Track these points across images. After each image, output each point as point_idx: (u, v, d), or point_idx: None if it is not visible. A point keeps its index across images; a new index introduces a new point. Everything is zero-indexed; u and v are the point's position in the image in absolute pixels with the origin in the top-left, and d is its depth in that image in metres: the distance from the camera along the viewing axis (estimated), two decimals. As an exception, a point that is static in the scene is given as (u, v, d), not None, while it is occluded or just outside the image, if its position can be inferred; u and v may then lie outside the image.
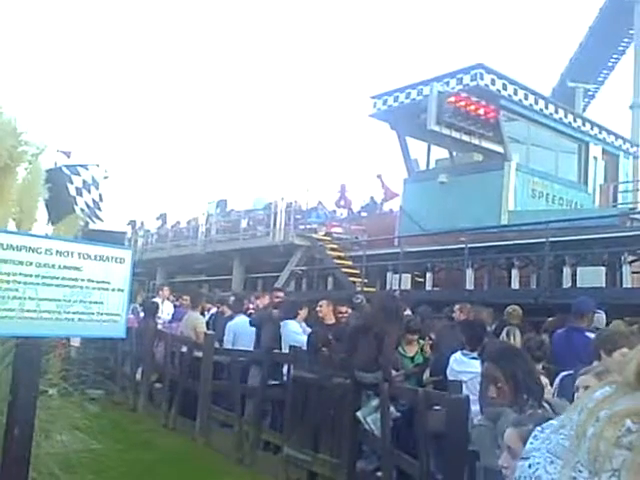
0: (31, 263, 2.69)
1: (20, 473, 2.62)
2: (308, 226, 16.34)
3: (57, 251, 2.76)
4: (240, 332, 8.46)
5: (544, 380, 3.88)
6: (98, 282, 2.88)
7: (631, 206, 14.93)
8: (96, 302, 2.85)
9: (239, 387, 7.69)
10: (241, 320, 8.73)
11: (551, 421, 1.29)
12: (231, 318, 8.98)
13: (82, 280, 2.84)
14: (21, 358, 2.73)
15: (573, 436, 1.16)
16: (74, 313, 2.80)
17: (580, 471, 1.11)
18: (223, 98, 75.29)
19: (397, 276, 12.17)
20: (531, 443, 1.27)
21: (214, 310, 10.52)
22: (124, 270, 2.94)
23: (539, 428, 1.29)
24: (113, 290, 2.91)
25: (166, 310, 11.36)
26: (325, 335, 6.81)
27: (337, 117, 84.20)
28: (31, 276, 2.69)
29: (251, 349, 8.15)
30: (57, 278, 2.76)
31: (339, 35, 78.20)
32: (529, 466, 1.23)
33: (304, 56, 64.70)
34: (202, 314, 10.05)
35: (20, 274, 2.65)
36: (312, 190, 19.12)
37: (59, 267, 2.77)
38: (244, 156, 64.62)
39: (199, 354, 8.45)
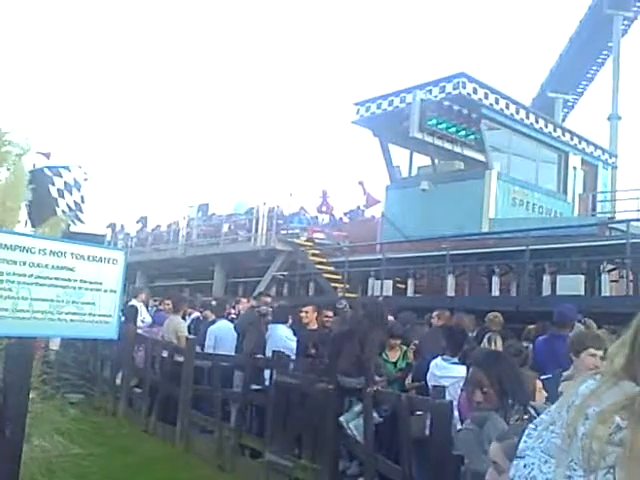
0: (25, 263, 2.66)
1: (12, 474, 2.59)
2: (290, 231, 16.32)
3: (51, 251, 2.74)
4: (222, 337, 8.41)
5: (539, 385, 3.91)
6: (91, 283, 2.87)
7: (609, 215, 15.15)
8: (88, 303, 2.83)
9: (220, 392, 7.65)
10: (223, 324, 8.69)
11: (542, 416, 1.31)
12: (214, 323, 8.93)
13: (75, 281, 2.82)
14: (12, 358, 2.71)
15: (564, 435, 1.18)
16: (67, 314, 2.77)
17: (575, 470, 1.13)
18: (206, 102, 75.09)
19: (379, 282, 12.22)
20: (525, 442, 1.28)
21: (195, 315, 10.44)
22: (117, 271, 2.92)
23: (532, 425, 1.30)
24: (105, 291, 2.89)
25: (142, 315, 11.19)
26: (315, 339, 6.82)
27: (320, 123, 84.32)
28: (24, 276, 2.67)
29: (232, 354, 8.11)
30: (50, 278, 2.75)
31: (323, 42, 78.47)
32: (524, 466, 1.24)
33: (288, 62, 64.79)
34: (183, 318, 9.98)
35: (14, 274, 2.63)
36: (295, 195, 19.06)
37: (52, 267, 2.74)
38: (226, 160, 64.42)
39: (180, 359, 8.39)
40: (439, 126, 12.51)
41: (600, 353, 3.92)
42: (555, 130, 14.96)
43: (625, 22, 23.40)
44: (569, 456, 1.15)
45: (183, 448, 7.73)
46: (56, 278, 2.77)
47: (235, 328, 8.33)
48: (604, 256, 9.73)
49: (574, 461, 1.14)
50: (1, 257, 2.61)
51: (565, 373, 4.15)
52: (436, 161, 14.48)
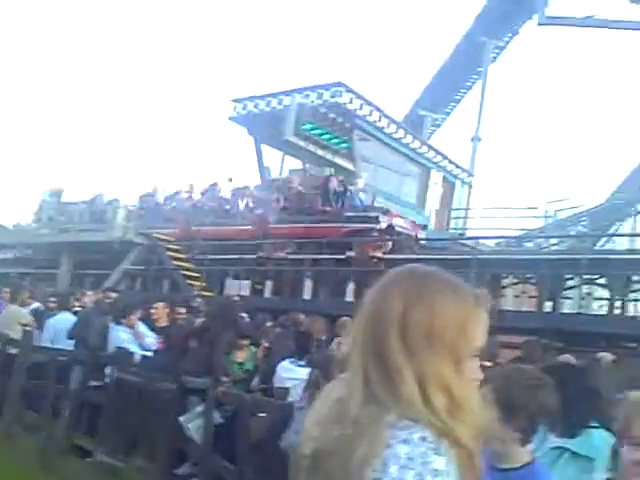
0: None
1: None
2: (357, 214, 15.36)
3: None
4: (61, 330, 7.89)
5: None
6: None
7: (461, 231, 16.03)
8: None
9: (54, 388, 7.10)
10: (63, 317, 8.19)
11: None
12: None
13: None
14: None
15: None
16: None
17: None
18: (71, 90, 71.06)
19: (237, 282, 12.05)
20: None
21: (35, 305, 9.69)
22: None
23: None
24: None
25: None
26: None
27: (195, 116, 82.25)
28: None
29: (71, 348, 7.58)
30: None
31: (208, 36, 77.23)
32: None
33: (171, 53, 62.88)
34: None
35: None
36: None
37: None
38: (88, 148, 60.78)
39: (14, 351, 7.73)
40: (313, 132, 12.67)
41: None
42: (421, 147, 15.58)
43: (496, 50, 24.55)
44: None
45: (6, 447, 7.09)
46: None
47: (74, 324, 7.78)
48: (454, 270, 10.17)
49: None
50: None
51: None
52: (307, 165, 14.61)
